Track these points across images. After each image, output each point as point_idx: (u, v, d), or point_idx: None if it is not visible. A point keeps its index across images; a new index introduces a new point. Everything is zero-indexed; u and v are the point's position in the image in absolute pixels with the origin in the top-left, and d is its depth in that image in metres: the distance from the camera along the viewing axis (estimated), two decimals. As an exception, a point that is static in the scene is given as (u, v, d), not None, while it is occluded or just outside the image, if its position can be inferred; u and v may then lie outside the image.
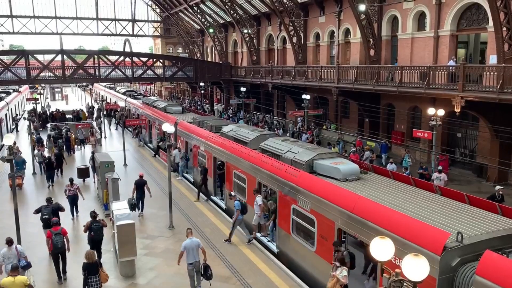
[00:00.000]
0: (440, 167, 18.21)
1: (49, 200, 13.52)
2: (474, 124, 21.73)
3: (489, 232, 7.86)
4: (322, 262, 10.53)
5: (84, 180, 20.67)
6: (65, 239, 11.24)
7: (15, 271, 9.05)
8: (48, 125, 34.33)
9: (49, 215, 12.79)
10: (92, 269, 9.83)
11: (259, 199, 13.48)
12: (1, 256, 10.28)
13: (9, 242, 10.45)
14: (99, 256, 11.70)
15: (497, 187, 15.15)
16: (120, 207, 12.73)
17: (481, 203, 9.50)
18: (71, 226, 15.14)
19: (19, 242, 11.69)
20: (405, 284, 5.45)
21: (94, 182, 19.80)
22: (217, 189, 18.21)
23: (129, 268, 11.80)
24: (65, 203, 15.27)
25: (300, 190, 11.42)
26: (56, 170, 21.33)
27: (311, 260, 10.97)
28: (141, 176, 16.69)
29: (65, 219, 14.35)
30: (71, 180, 16.51)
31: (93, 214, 12.11)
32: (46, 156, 21.59)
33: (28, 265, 10.40)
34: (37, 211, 13.27)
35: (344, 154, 19.26)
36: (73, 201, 15.87)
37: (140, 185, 16.22)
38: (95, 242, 11.79)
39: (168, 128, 15.96)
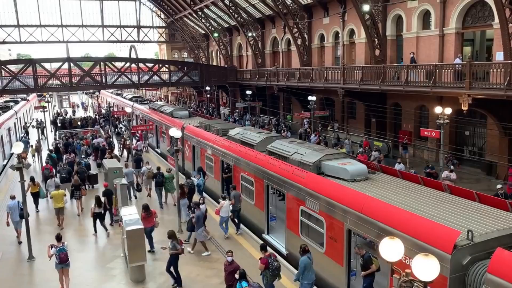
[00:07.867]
0: (451, 167, 18.07)
1: (65, 164, 21.22)
2: (482, 121, 21.54)
3: (500, 230, 7.80)
4: (332, 263, 10.51)
5: (92, 186, 20.92)
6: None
7: (58, 187, 16.87)
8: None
9: (66, 174, 19.48)
10: (76, 187, 17.38)
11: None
12: (47, 185, 18.33)
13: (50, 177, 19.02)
14: (83, 184, 18.97)
15: (498, 186, 15.00)
16: (129, 213, 12.78)
17: (491, 201, 9.42)
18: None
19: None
20: (415, 284, 5.38)
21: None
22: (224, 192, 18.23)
23: (139, 273, 11.85)
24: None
25: (308, 192, 11.39)
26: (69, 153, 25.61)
27: (321, 261, 10.92)
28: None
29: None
30: (69, 152, 24.53)
31: (78, 164, 21.16)
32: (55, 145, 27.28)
33: (59, 186, 17.33)
34: (58, 171, 20.52)
35: (352, 154, 19.19)
36: (70, 165, 21.67)
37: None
38: (80, 179, 18.71)
39: (175, 132, 16.04)
